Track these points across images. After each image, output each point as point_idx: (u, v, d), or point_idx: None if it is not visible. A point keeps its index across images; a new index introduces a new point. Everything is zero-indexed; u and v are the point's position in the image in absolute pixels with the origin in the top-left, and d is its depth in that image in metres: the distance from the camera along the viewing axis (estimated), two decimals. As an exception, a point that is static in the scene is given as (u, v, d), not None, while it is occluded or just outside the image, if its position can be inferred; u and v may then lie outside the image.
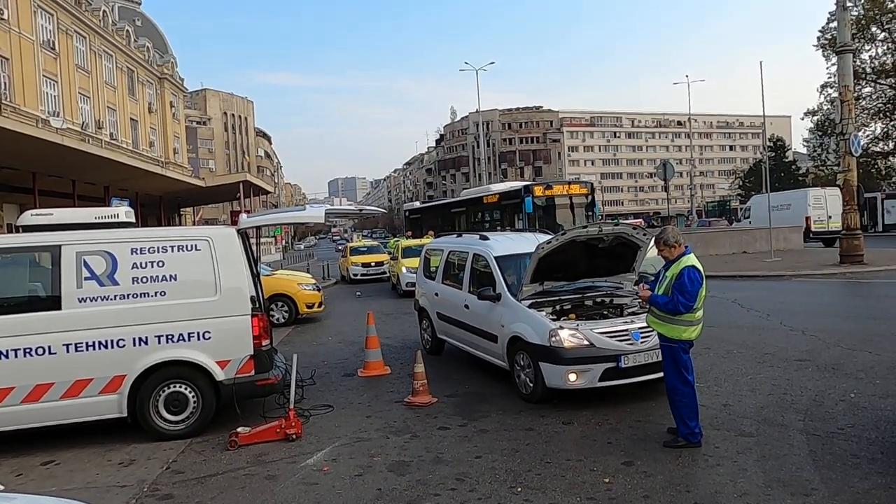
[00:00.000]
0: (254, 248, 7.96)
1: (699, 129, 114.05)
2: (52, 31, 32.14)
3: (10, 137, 16.96)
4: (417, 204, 36.11)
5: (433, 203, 35.45)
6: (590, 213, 22.57)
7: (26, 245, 6.56)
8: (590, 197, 22.73)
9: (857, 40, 39.46)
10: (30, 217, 6.85)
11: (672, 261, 5.61)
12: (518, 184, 23.94)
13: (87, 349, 6.25)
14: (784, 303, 13.56)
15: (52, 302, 6.29)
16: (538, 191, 22.02)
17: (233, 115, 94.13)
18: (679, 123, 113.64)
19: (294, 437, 6.28)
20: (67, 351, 6.20)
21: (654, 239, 6.11)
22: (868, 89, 46.12)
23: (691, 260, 5.54)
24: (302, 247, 67.09)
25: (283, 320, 14.65)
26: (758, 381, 7.52)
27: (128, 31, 43.58)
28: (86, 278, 6.33)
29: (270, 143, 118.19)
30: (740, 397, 6.92)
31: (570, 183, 23.31)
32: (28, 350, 6.11)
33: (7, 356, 6.06)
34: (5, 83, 27.43)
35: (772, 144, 65.05)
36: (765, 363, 8.29)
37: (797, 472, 4.90)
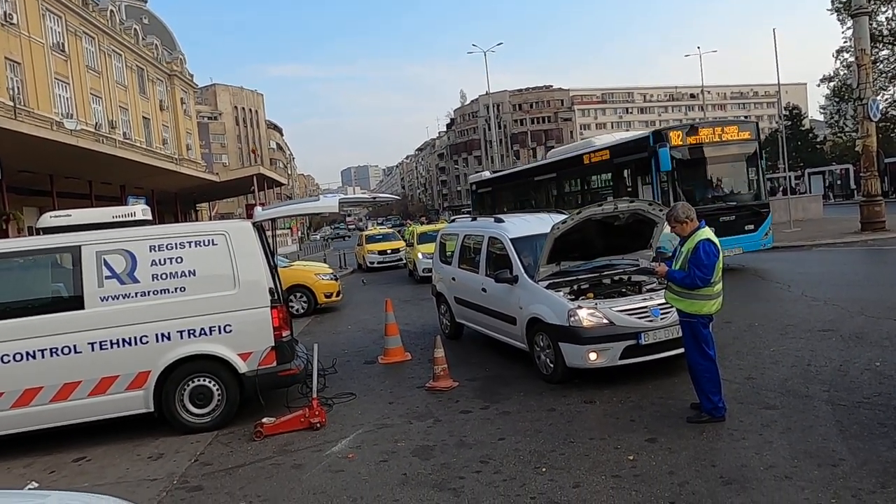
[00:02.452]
0: (270, 240, 8.00)
1: (713, 100, 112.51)
2: (61, 34, 32.31)
3: (27, 141, 17.14)
4: (487, 174, 26.86)
5: (508, 172, 26.48)
6: (753, 169, 15.11)
7: (47, 247, 6.65)
8: (754, 145, 14.98)
9: (872, 2, 38.50)
10: (49, 219, 6.94)
11: (686, 236, 5.57)
12: (638, 133, 16.47)
13: (112, 347, 6.34)
14: (805, 273, 13.40)
15: (75, 302, 6.38)
16: (676, 137, 14.14)
17: (243, 108, 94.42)
18: (692, 96, 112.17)
19: (318, 425, 6.35)
20: (92, 349, 6.30)
21: (665, 216, 6.06)
22: (885, 52, 45.00)
23: (706, 233, 5.50)
24: (318, 237, 67.05)
25: (302, 311, 14.75)
26: (780, 353, 7.45)
27: (135, 29, 43.73)
28: (107, 277, 6.42)
29: (282, 135, 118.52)
30: (763, 370, 6.87)
31: (724, 124, 15.25)
32: (54, 350, 6.22)
33: (34, 356, 6.17)
34: (18, 87, 27.68)
35: (787, 113, 63.95)
36: (787, 335, 8.22)
37: (823, 443, 4.86)
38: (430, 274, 12.04)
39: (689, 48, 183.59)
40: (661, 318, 6.74)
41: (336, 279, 15.97)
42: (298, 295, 14.88)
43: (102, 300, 6.38)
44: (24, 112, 26.55)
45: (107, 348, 6.33)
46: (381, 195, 11.19)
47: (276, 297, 6.97)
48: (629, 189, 15.68)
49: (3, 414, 6.13)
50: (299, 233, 60.94)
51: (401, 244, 25.78)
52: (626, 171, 15.96)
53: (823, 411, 5.52)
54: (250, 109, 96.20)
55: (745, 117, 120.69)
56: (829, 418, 5.35)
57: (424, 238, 20.03)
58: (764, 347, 7.75)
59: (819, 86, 53.05)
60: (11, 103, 25.80)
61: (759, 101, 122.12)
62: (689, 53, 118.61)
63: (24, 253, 6.78)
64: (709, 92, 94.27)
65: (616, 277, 7.79)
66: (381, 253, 25.81)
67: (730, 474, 4.52)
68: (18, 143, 16.76)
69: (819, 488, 4.18)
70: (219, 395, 6.66)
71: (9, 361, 6.11)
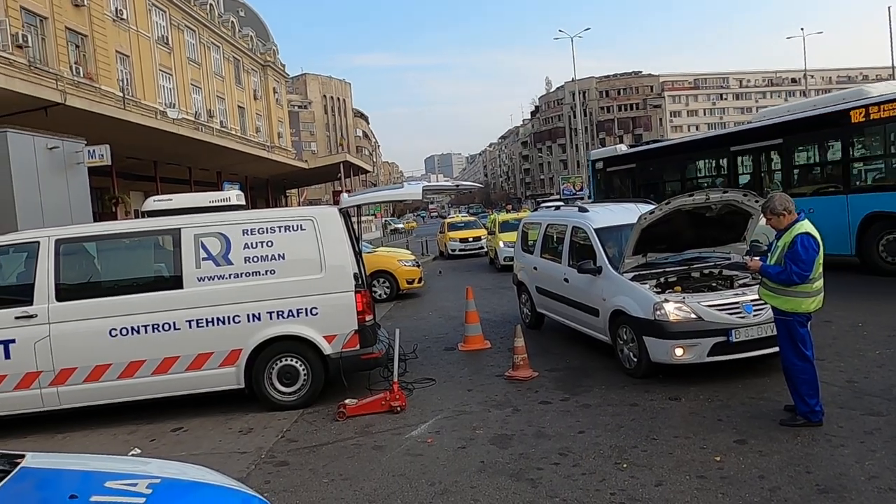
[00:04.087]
0: (355, 226, 8.18)
1: (816, 85, 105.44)
2: (165, 28, 34.19)
3: (135, 130, 18.33)
4: (622, 148, 20.22)
5: (668, 143, 19.76)
6: None
7: (151, 229, 7.10)
8: None
9: None
10: (152, 203, 7.41)
11: (784, 229, 5.26)
12: None
13: (207, 325, 6.69)
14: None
15: (175, 281, 6.76)
16: None
17: (331, 97, 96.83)
18: (793, 81, 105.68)
19: (398, 409, 6.46)
20: (190, 327, 6.66)
21: (761, 208, 5.75)
22: None
23: (805, 227, 5.17)
24: (401, 225, 67.37)
25: (384, 296, 15.04)
26: (888, 356, 6.94)
27: (232, 22, 45.62)
28: (203, 259, 6.76)
29: (368, 123, 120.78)
30: (867, 373, 6.43)
31: None
32: (156, 326, 6.62)
33: (138, 331, 6.60)
34: (127, 79, 29.53)
35: (902, 98, 58.98)
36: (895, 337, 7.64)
37: (935, 456, 4.50)
38: (511, 262, 11.99)
39: (792, 30, 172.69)
40: (755, 315, 6.42)
41: (418, 266, 16.18)
42: (381, 280, 15.18)
43: (199, 280, 6.73)
44: (132, 102, 28.29)
45: (202, 326, 6.68)
46: (463, 183, 11.21)
47: (360, 282, 7.13)
48: None
49: (111, 384, 6.59)
50: (383, 219, 61.99)
51: (482, 232, 25.79)
52: None
53: (935, 421, 5.11)
54: (338, 98, 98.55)
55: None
56: (941, 429, 4.95)
57: (506, 227, 19.95)
58: (868, 349, 7.24)
59: (940, 68, 48.50)
60: (121, 94, 27.56)
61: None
62: (791, 35, 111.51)
63: (131, 234, 7.25)
64: (812, 76, 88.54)
65: (706, 271, 7.48)
66: (463, 241, 25.92)
67: (826, 482, 4.26)
68: (127, 132, 17.92)
69: (928, 503, 3.88)
70: (305, 374, 6.89)
71: (116, 335, 6.56)
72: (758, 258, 5.60)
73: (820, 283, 5.23)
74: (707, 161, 17.20)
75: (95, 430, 6.63)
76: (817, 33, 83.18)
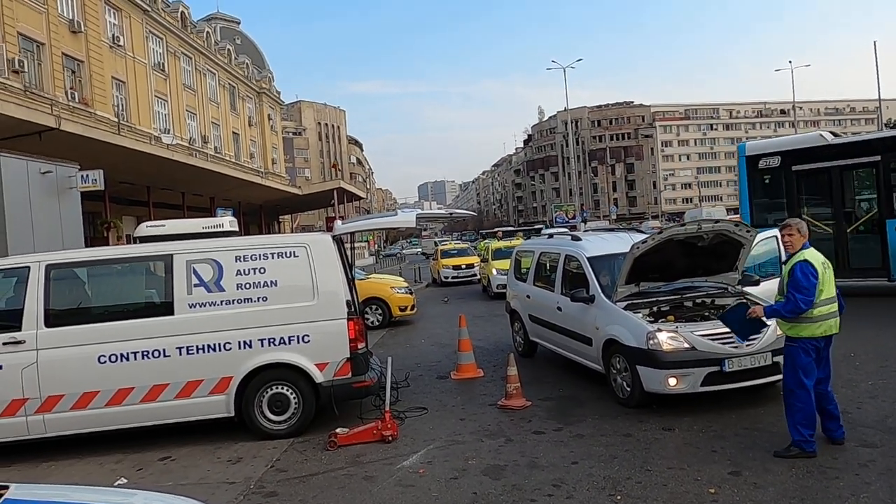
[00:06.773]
0: (348, 252, 8.17)
1: (805, 117, 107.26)
2: (161, 54, 34.46)
3: (129, 155, 18.36)
4: (829, 137, 13.76)
5: None
6: None
7: (142, 255, 7.05)
8: None
9: None
10: (145, 229, 7.37)
11: (792, 254, 5.33)
12: None
13: (198, 352, 6.61)
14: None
15: (166, 308, 6.70)
16: None
17: (326, 124, 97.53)
18: (782, 112, 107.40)
19: (390, 438, 6.39)
20: (180, 354, 6.59)
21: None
22: None
23: (804, 254, 5.23)
24: (404, 251, 64.93)
25: (377, 323, 14.94)
26: (880, 386, 6.94)
27: (229, 49, 46.06)
28: (195, 285, 6.71)
29: (362, 150, 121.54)
30: (860, 404, 6.42)
31: None
32: (146, 353, 6.54)
33: (128, 358, 6.51)
34: (122, 104, 29.66)
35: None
36: (888, 367, 7.66)
37: (930, 488, 4.48)
38: (504, 290, 11.99)
39: (780, 62, 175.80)
40: (747, 345, 6.43)
41: (411, 293, 16.13)
42: (374, 307, 15.09)
43: (191, 307, 6.67)
44: (127, 127, 28.38)
45: (193, 353, 6.61)
46: (457, 211, 11.23)
47: (352, 310, 7.10)
48: None
49: (99, 411, 6.48)
50: (375, 246, 61.93)
51: (475, 259, 25.82)
52: None
53: (930, 453, 5.09)
54: (333, 125, 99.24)
55: (842, 134, 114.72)
56: (936, 461, 4.93)
57: (499, 254, 20.01)
58: (861, 380, 7.24)
59: (925, 101, 49.37)
60: (116, 119, 27.65)
61: (857, 118, 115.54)
62: (779, 68, 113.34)
63: (122, 260, 7.22)
64: (800, 108, 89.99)
65: (699, 300, 7.50)
66: (456, 268, 25.92)
67: (822, 515, 4.22)
68: (121, 157, 17.96)
69: (925, 537, 3.84)
70: (295, 403, 6.81)
71: (105, 362, 6.48)
72: (760, 306, 5.62)
73: (823, 309, 5.22)
74: None
75: (81, 458, 6.50)
76: (805, 66, 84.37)
